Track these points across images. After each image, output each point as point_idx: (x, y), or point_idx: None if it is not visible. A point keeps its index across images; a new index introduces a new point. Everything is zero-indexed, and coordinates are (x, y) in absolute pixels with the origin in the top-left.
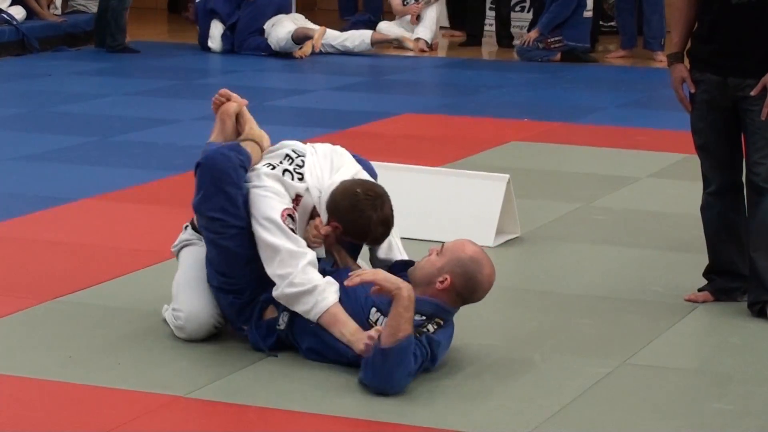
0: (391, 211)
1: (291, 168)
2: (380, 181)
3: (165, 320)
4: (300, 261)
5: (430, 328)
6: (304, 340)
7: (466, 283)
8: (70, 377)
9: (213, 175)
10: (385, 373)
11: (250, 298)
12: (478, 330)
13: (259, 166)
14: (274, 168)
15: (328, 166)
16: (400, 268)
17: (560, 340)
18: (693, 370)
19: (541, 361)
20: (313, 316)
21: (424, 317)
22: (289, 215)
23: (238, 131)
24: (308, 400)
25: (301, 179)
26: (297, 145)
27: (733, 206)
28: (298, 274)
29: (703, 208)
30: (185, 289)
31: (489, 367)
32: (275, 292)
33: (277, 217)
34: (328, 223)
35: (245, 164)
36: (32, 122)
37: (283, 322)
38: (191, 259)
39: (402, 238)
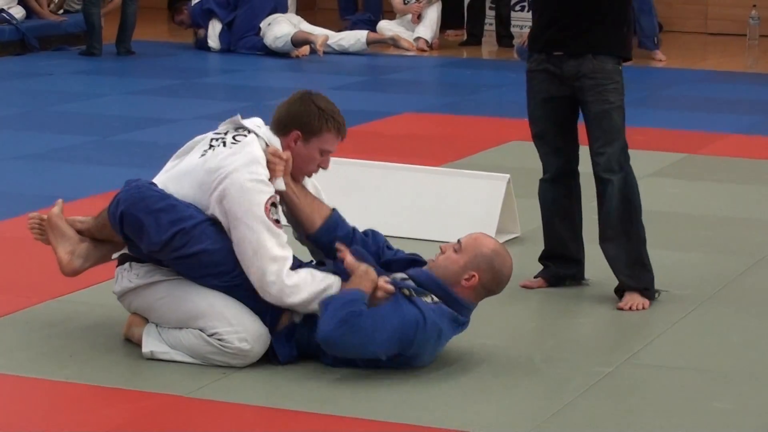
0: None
1: (233, 135)
2: (380, 181)
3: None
4: (282, 268)
5: (433, 298)
6: None
7: (493, 278)
8: (70, 377)
9: (139, 209)
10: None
11: None
12: (479, 329)
13: (214, 152)
14: (225, 143)
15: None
16: (404, 265)
17: (560, 340)
18: (693, 369)
19: (542, 361)
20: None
21: (422, 289)
22: (273, 204)
23: (76, 229)
24: (308, 399)
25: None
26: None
27: (566, 192)
28: (287, 283)
29: (538, 195)
30: (238, 311)
31: (489, 367)
32: (268, 299)
33: (261, 212)
34: (284, 145)
35: (146, 180)
36: (32, 121)
37: (298, 317)
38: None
39: (402, 238)
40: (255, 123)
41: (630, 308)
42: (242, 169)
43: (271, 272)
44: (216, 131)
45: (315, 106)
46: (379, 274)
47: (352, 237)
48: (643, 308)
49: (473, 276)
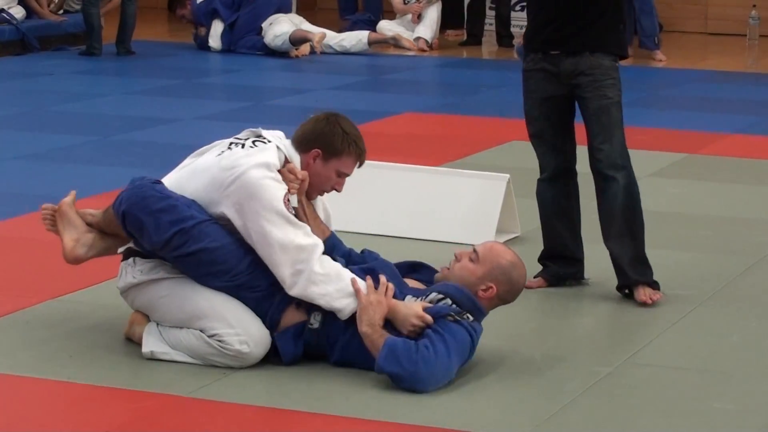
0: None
1: (252, 140)
2: (380, 181)
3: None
4: (312, 254)
5: (469, 317)
6: (338, 339)
7: (510, 289)
8: (70, 377)
9: (140, 209)
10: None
11: (268, 290)
12: None
13: (231, 152)
14: (243, 146)
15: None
16: (407, 269)
17: (560, 339)
18: (693, 368)
19: (542, 361)
20: (346, 315)
21: (460, 309)
22: (288, 199)
23: (86, 221)
24: (309, 399)
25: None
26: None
27: (565, 192)
28: (316, 269)
29: (536, 194)
30: (239, 313)
31: (489, 367)
32: (294, 291)
33: (281, 206)
34: (303, 163)
35: (150, 179)
36: (32, 122)
37: (315, 321)
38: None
39: (403, 238)
40: (276, 135)
41: (652, 300)
42: (256, 169)
43: (300, 261)
44: (237, 136)
45: (340, 128)
46: (405, 293)
47: (349, 257)
48: (659, 299)
49: (491, 288)
